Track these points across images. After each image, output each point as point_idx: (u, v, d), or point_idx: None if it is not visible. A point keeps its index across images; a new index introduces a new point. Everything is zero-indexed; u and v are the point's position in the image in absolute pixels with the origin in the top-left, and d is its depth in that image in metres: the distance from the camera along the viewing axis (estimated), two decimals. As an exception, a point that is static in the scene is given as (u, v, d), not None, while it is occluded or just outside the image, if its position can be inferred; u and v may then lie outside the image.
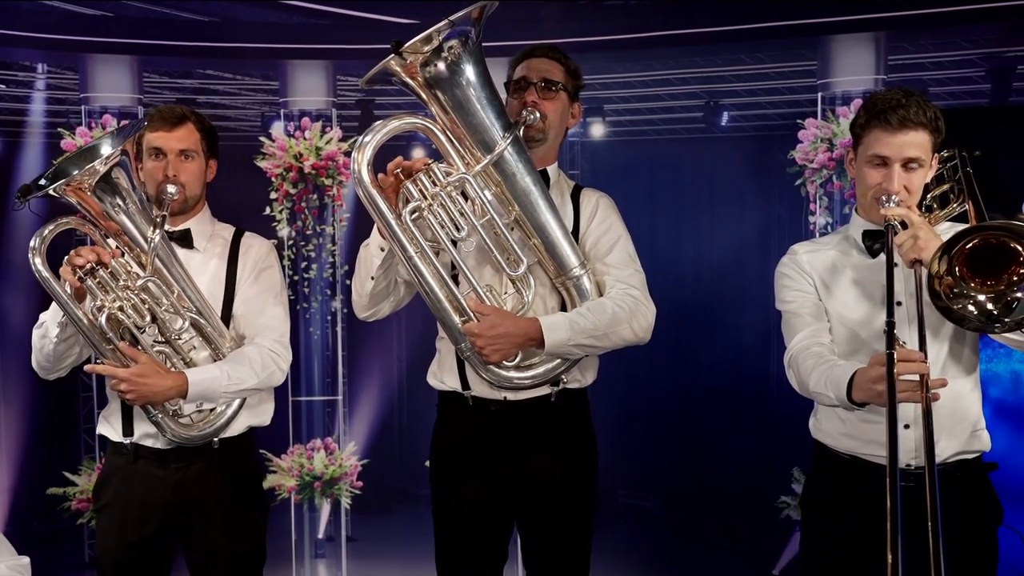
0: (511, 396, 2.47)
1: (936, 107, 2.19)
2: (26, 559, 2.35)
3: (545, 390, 2.48)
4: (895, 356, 1.91)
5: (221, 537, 2.55)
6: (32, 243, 2.30)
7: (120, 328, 2.36)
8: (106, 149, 2.28)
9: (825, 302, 2.33)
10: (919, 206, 2.27)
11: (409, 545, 4.77)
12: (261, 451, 5.62)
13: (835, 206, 5.28)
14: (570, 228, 2.46)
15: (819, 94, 5.43)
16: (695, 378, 6.94)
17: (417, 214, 2.29)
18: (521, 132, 2.37)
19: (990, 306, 1.98)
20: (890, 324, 1.95)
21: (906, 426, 2.22)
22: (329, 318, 6.13)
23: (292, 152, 5.79)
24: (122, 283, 2.34)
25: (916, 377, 1.95)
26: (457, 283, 2.37)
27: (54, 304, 2.41)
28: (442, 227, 2.31)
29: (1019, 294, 1.96)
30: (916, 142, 2.16)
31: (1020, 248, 1.94)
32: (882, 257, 2.16)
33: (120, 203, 2.34)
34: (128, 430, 2.53)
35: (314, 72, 6.05)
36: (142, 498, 2.52)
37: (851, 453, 2.30)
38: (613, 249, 2.49)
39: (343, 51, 6.02)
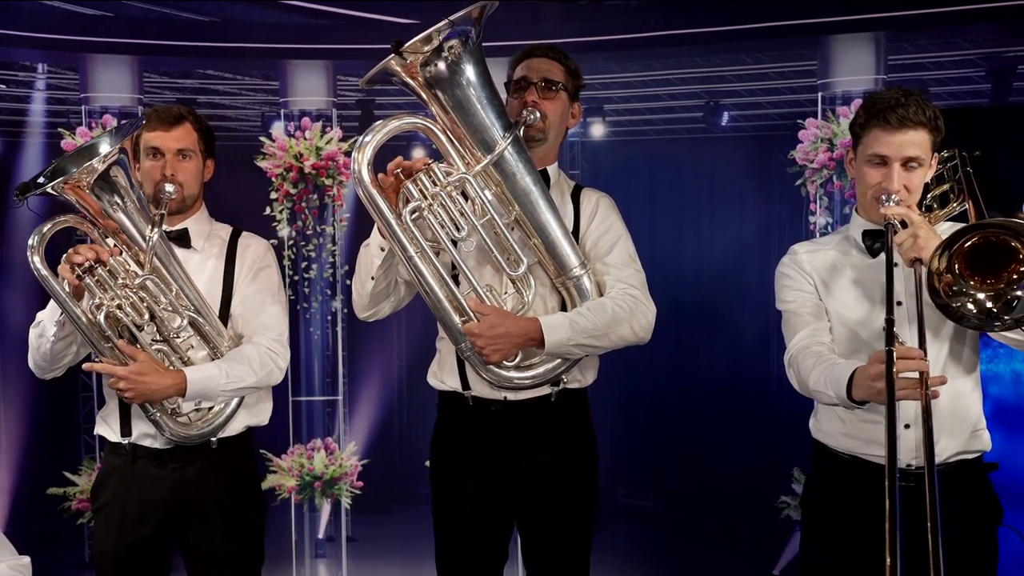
0: (511, 396, 2.47)
1: (935, 106, 2.20)
2: (27, 559, 2.36)
3: (545, 390, 2.48)
4: (894, 354, 1.91)
5: (219, 537, 2.56)
6: (31, 241, 2.31)
7: (119, 326, 2.36)
8: (104, 147, 2.28)
9: (825, 302, 2.33)
10: (919, 206, 2.27)
11: (409, 545, 4.77)
12: (261, 451, 5.62)
13: (835, 206, 5.27)
14: (570, 228, 2.46)
15: (819, 94, 5.43)
16: (695, 378, 6.94)
17: (417, 214, 2.29)
18: (521, 132, 2.37)
19: (989, 304, 1.98)
20: (889, 322, 1.95)
21: (906, 426, 2.22)
22: (329, 318, 6.13)
23: (292, 152, 5.79)
24: (121, 281, 2.34)
25: (916, 375, 1.95)
26: (457, 283, 2.37)
27: (51, 303, 2.42)
28: (442, 227, 2.31)
29: (1019, 292, 1.96)
30: (916, 141, 2.16)
31: (1019, 246, 1.94)
32: (882, 257, 2.16)
33: (119, 201, 2.35)
34: (126, 430, 2.53)
35: (314, 72, 6.05)
36: (140, 498, 2.52)
37: (851, 453, 2.30)
38: (613, 249, 2.49)
39: (343, 51, 6.02)
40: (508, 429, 2.49)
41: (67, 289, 2.32)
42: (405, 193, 2.30)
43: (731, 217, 7.02)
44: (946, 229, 2.24)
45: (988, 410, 2.34)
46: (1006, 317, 1.97)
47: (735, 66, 6.27)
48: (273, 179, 5.84)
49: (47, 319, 2.46)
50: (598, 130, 6.59)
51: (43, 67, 6.25)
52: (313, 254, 5.97)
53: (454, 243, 2.33)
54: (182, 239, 2.57)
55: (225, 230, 2.68)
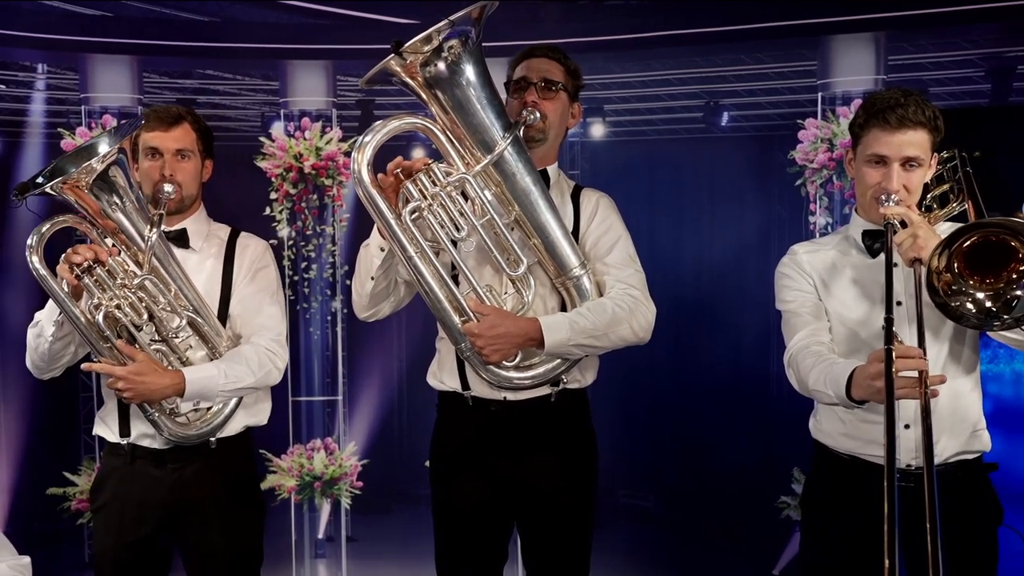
0: (511, 396, 2.47)
1: (935, 106, 2.20)
2: (27, 559, 2.36)
3: (545, 390, 2.48)
4: (893, 353, 1.91)
5: (218, 537, 2.56)
6: (29, 241, 2.31)
7: (117, 326, 2.36)
8: (103, 147, 2.28)
9: (825, 302, 2.33)
10: (919, 206, 2.27)
11: (409, 545, 4.76)
12: (261, 451, 5.62)
13: (835, 206, 5.27)
14: (570, 228, 2.46)
15: (819, 94, 5.43)
16: (695, 378, 6.94)
17: (417, 214, 2.29)
18: (521, 132, 2.37)
19: (988, 303, 1.98)
20: (888, 321, 1.95)
21: (906, 426, 2.22)
22: (329, 318, 6.13)
23: (292, 152, 5.78)
24: (119, 281, 2.34)
25: (915, 374, 1.95)
26: (457, 283, 2.37)
27: (50, 303, 2.42)
28: (442, 227, 2.31)
29: (1018, 292, 1.96)
30: (915, 141, 2.16)
31: (1019, 246, 1.94)
32: (882, 257, 2.16)
33: (117, 201, 2.35)
34: (125, 430, 2.53)
35: (314, 72, 6.05)
36: (139, 498, 2.52)
37: (851, 453, 2.30)
38: (613, 249, 2.49)
39: (343, 51, 6.02)
40: (508, 429, 2.49)
41: (66, 289, 2.32)
42: (405, 193, 2.30)
43: (731, 217, 7.02)
44: (946, 229, 2.24)
45: (988, 410, 2.34)
46: (1005, 316, 1.97)
47: (735, 66, 6.27)
48: (273, 179, 5.84)
49: (45, 319, 2.46)
50: (598, 130, 6.59)
51: (43, 67, 6.25)
52: (313, 254, 5.97)
53: (454, 243, 2.33)
54: (180, 239, 2.57)
55: (224, 230, 2.68)
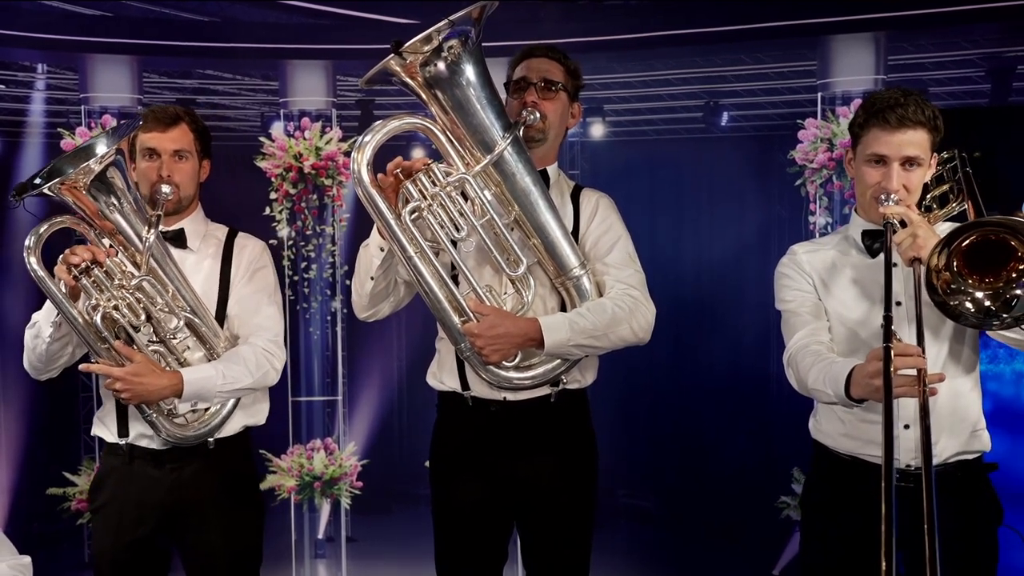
0: (511, 396, 2.47)
1: (935, 106, 2.20)
2: (27, 558, 2.35)
3: (545, 390, 2.48)
4: (892, 351, 1.91)
5: (217, 537, 2.56)
6: (27, 242, 2.31)
7: (115, 327, 2.36)
8: (101, 148, 2.28)
9: (824, 302, 2.33)
10: (918, 206, 2.27)
11: (409, 545, 4.76)
12: (261, 451, 5.62)
13: (835, 206, 5.27)
14: (570, 228, 2.46)
15: (819, 94, 5.43)
16: (695, 378, 6.93)
17: (417, 214, 2.29)
18: (521, 132, 2.37)
19: (988, 303, 1.98)
20: (887, 319, 1.95)
21: (906, 426, 2.22)
22: (329, 318, 6.13)
23: (292, 152, 5.78)
24: (117, 282, 2.34)
25: (914, 372, 1.95)
26: (457, 283, 2.37)
27: (47, 304, 2.41)
28: (442, 227, 2.31)
29: (1018, 291, 1.95)
30: (915, 141, 2.16)
31: (1018, 245, 1.94)
32: (882, 257, 2.16)
33: (115, 202, 2.35)
34: (123, 431, 2.53)
35: (314, 72, 6.05)
36: (138, 499, 2.52)
37: (851, 453, 2.30)
38: (613, 249, 2.49)
39: (343, 51, 6.01)
40: (508, 429, 2.49)
41: (63, 290, 2.32)
42: (404, 193, 2.30)
43: (731, 217, 7.02)
44: (945, 229, 2.24)
45: (988, 410, 2.34)
46: (1004, 316, 1.97)
47: (735, 66, 6.27)
48: (273, 179, 5.84)
49: (43, 320, 2.46)
50: (598, 130, 6.59)
51: (43, 67, 6.25)
52: (313, 254, 5.97)
53: (453, 243, 2.33)
54: (178, 239, 2.57)
55: (221, 230, 2.68)
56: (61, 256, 2.32)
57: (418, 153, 5.34)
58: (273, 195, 5.86)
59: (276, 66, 6.17)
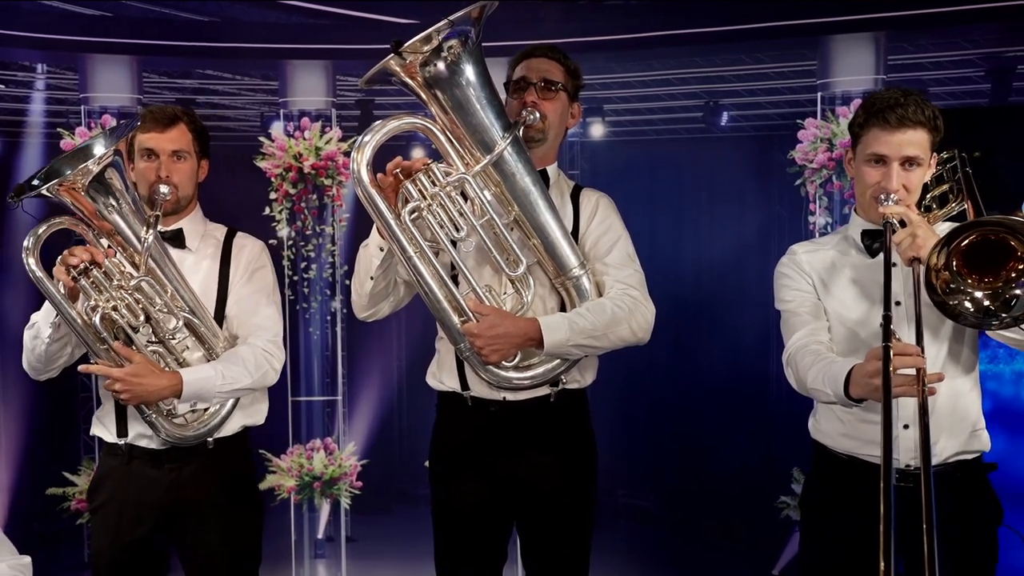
0: (510, 396, 2.47)
1: (935, 106, 2.20)
2: (27, 558, 2.35)
3: (544, 390, 2.48)
4: (891, 350, 1.91)
5: (216, 537, 2.56)
6: (26, 243, 2.31)
7: (114, 328, 2.36)
8: (99, 149, 2.28)
9: (824, 301, 2.33)
10: (918, 206, 2.27)
11: (409, 545, 4.76)
12: (260, 451, 5.62)
13: (835, 206, 5.27)
14: (570, 228, 2.46)
15: (819, 94, 5.43)
16: (695, 378, 6.93)
17: (416, 214, 2.29)
18: (521, 132, 2.37)
19: (987, 302, 1.98)
20: (886, 318, 1.96)
21: (905, 426, 2.22)
22: (329, 318, 6.13)
23: (292, 152, 5.78)
24: (116, 283, 2.34)
25: (913, 371, 1.95)
26: (456, 283, 2.37)
27: (46, 305, 2.41)
28: (441, 227, 2.31)
29: (1017, 291, 1.95)
30: (915, 141, 2.16)
31: (1018, 245, 1.94)
32: (881, 257, 2.16)
33: (114, 203, 2.34)
34: (122, 431, 2.53)
35: (314, 72, 6.04)
36: (137, 499, 2.52)
37: (850, 454, 2.30)
38: (613, 249, 2.49)
39: (343, 51, 6.01)
40: (507, 429, 2.49)
41: (62, 291, 2.32)
42: (404, 193, 2.30)
43: (731, 217, 7.02)
44: (945, 229, 2.24)
45: (988, 410, 2.34)
46: (1004, 315, 1.97)
47: (735, 66, 6.26)
48: (272, 179, 5.84)
49: (42, 320, 2.46)
50: (598, 130, 6.59)
51: (42, 67, 6.24)
52: (312, 254, 5.96)
53: (453, 243, 2.33)
54: (177, 239, 2.57)
55: (220, 230, 2.67)
56: (59, 257, 2.32)
57: (418, 153, 5.34)
58: (273, 195, 5.86)
59: (276, 66, 6.17)
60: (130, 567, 2.55)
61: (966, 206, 2.27)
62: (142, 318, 2.38)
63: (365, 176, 2.24)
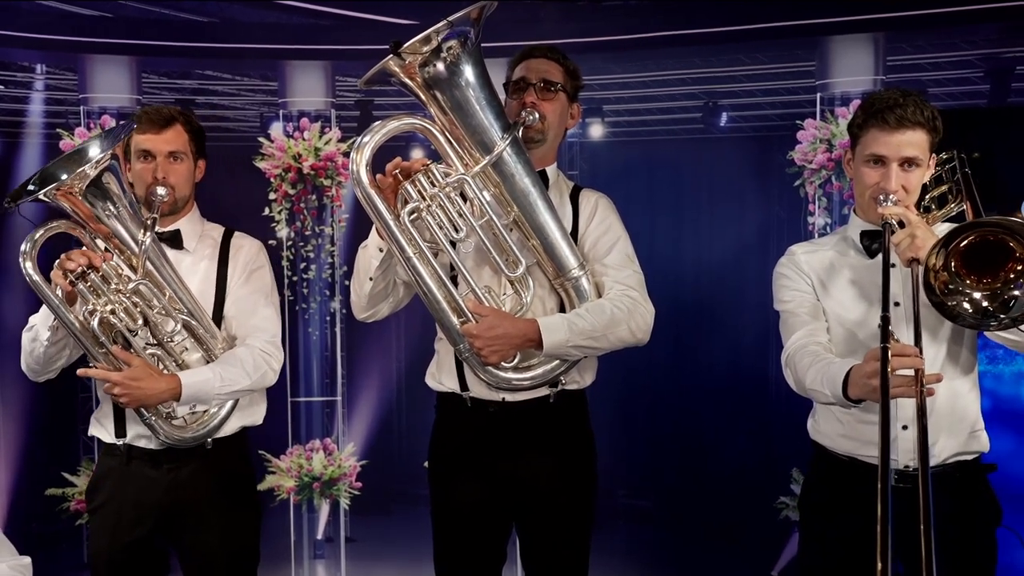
0: (510, 397, 2.47)
1: (934, 107, 2.20)
2: (27, 559, 2.35)
3: (544, 391, 2.48)
4: (889, 351, 1.91)
5: (215, 538, 2.56)
6: (23, 247, 2.30)
7: (112, 331, 2.35)
8: (94, 152, 2.27)
9: (823, 302, 2.33)
10: (917, 206, 2.27)
11: (408, 546, 4.76)
12: (260, 452, 5.62)
13: (834, 207, 5.28)
14: (569, 229, 2.46)
15: (818, 95, 5.43)
16: (694, 379, 6.93)
17: (415, 215, 2.29)
18: (520, 133, 2.37)
19: (985, 303, 1.98)
20: (885, 319, 1.96)
21: (904, 427, 2.22)
22: (328, 319, 6.13)
23: (291, 153, 5.78)
24: (113, 286, 2.34)
25: (911, 372, 1.95)
26: (456, 284, 2.37)
27: (44, 307, 2.41)
28: (440, 228, 2.31)
29: (1016, 292, 1.96)
30: (913, 141, 2.16)
31: (1016, 246, 1.94)
32: (880, 257, 2.16)
33: (111, 207, 2.34)
34: (121, 431, 2.53)
35: (313, 73, 6.04)
36: (135, 499, 2.52)
37: (849, 454, 2.30)
38: (612, 250, 2.49)
39: (342, 52, 6.01)
40: (506, 430, 2.49)
41: (60, 295, 2.31)
42: (403, 194, 2.30)
43: (730, 218, 7.02)
44: (944, 230, 2.24)
45: (988, 410, 2.34)
46: (1002, 316, 1.97)
47: (734, 67, 6.26)
48: (272, 180, 5.84)
49: (40, 323, 2.46)
50: (597, 131, 6.58)
51: (42, 68, 6.24)
52: (312, 255, 5.96)
53: (452, 244, 2.33)
54: (174, 240, 2.57)
55: (217, 230, 2.67)
56: (57, 262, 2.32)
57: (417, 154, 5.34)
58: (272, 195, 5.85)
59: (275, 66, 6.17)
60: (129, 567, 2.55)
61: (965, 207, 2.27)
62: (140, 321, 2.37)
63: (364, 177, 2.24)
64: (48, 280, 2.32)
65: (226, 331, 2.57)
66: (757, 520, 5.70)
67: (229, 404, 2.54)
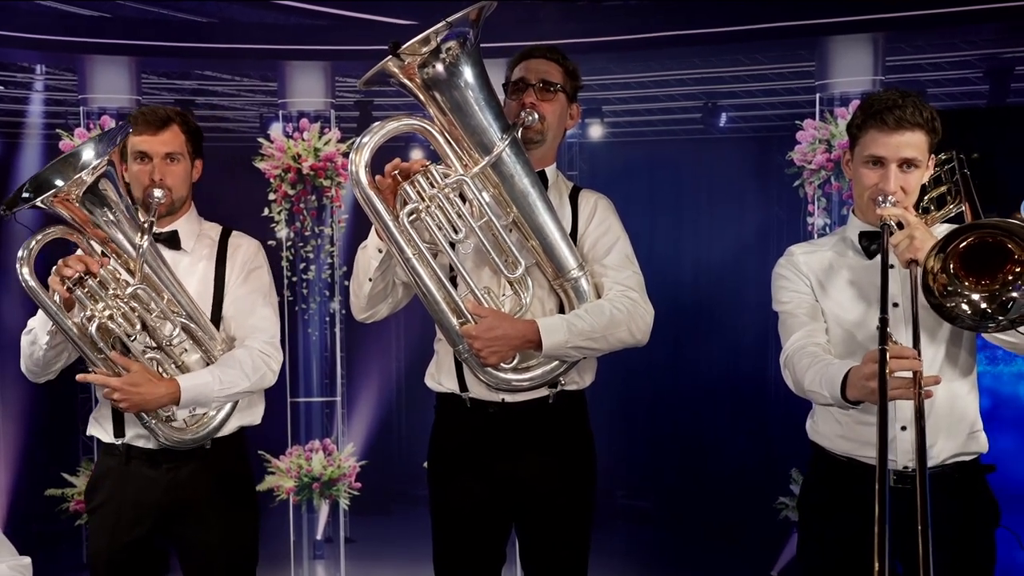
0: (509, 398, 2.47)
1: (933, 108, 2.20)
2: (27, 559, 2.35)
3: (543, 392, 2.48)
4: (888, 353, 1.91)
5: (214, 537, 2.56)
6: (20, 254, 2.29)
7: (111, 337, 2.34)
8: (88, 156, 2.25)
9: (821, 303, 2.33)
10: (916, 207, 2.27)
11: (407, 546, 4.76)
12: (259, 452, 5.62)
13: (833, 207, 5.28)
14: (568, 229, 2.46)
15: (817, 95, 5.43)
16: (694, 379, 6.92)
17: (415, 216, 2.29)
18: (519, 133, 2.37)
19: (984, 305, 1.98)
20: (883, 321, 1.96)
21: (903, 428, 2.22)
22: (327, 319, 6.12)
23: (290, 153, 5.78)
24: (111, 292, 2.32)
25: (909, 374, 1.95)
26: (455, 285, 2.37)
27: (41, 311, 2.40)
28: (440, 229, 2.31)
29: (1014, 294, 1.96)
30: (912, 143, 2.16)
31: (1015, 248, 1.94)
32: (879, 258, 2.16)
33: (107, 212, 2.32)
34: (119, 431, 2.53)
35: (312, 73, 6.04)
36: (135, 499, 2.52)
37: (848, 455, 2.30)
38: (611, 250, 2.49)
39: (341, 52, 6.01)
40: (506, 431, 2.49)
41: (57, 301, 2.30)
42: (403, 195, 2.30)
43: (729, 218, 7.01)
44: (943, 231, 2.24)
45: (988, 411, 2.34)
46: (1000, 318, 1.97)
47: (733, 67, 6.26)
48: (271, 180, 5.83)
49: (39, 327, 2.46)
50: (596, 131, 6.58)
51: (41, 68, 6.23)
52: (311, 255, 5.96)
53: (452, 245, 2.33)
54: (172, 241, 2.57)
55: (215, 229, 2.67)
56: (54, 268, 2.31)
57: (417, 154, 5.33)
58: (272, 196, 5.85)
59: (274, 67, 6.17)
60: (128, 567, 2.55)
61: (964, 208, 2.27)
62: (138, 326, 2.36)
63: (363, 178, 2.24)
64: (45, 286, 2.30)
65: (225, 331, 2.57)
66: (756, 520, 5.70)
67: (228, 406, 2.54)
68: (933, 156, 2.25)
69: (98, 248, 2.40)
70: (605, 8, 6.02)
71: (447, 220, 2.31)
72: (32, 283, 2.29)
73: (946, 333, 2.22)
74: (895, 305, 2.21)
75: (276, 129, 5.91)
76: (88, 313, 2.31)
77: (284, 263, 5.86)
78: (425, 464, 2.65)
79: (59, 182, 2.24)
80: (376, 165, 2.28)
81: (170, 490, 2.53)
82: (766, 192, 6.63)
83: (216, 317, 2.56)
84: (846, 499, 2.27)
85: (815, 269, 2.35)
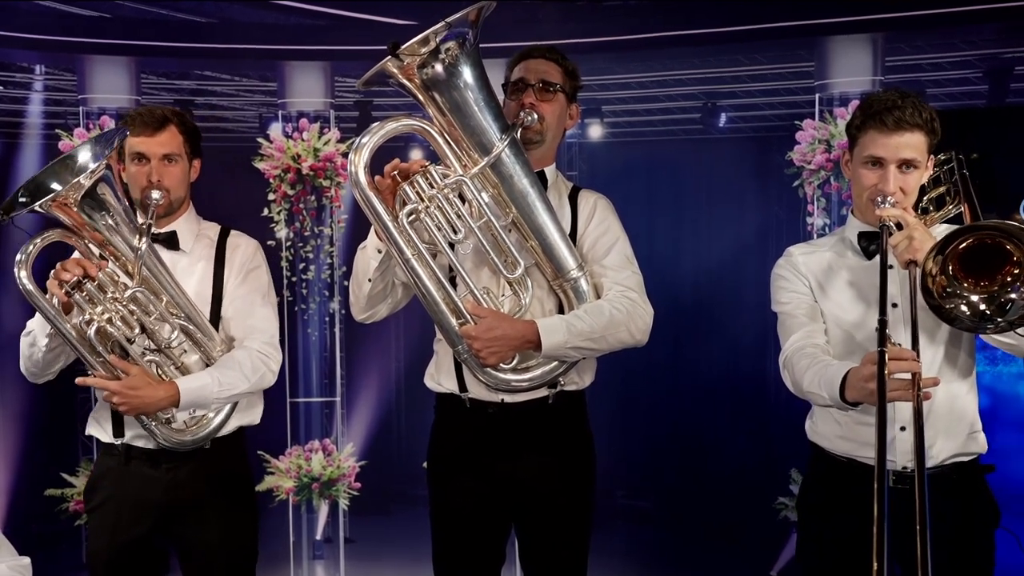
0: (508, 398, 2.47)
1: (932, 108, 2.20)
2: (27, 559, 2.35)
3: (543, 392, 2.48)
4: (887, 355, 1.91)
5: (214, 537, 2.56)
6: (17, 257, 2.27)
7: (109, 340, 2.33)
8: (84, 158, 2.24)
9: (820, 303, 2.33)
10: (915, 208, 2.27)
11: (407, 547, 4.76)
12: (259, 452, 5.62)
13: (833, 207, 5.28)
14: (568, 230, 2.46)
15: (817, 95, 5.43)
16: (693, 379, 6.93)
17: (414, 216, 2.29)
18: (519, 134, 2.37)
19: (983, 306, 1.98)
20: (882, 322, 1.96)
21: (902, 428, 2.22)
22: (327, 319, 6.12)
23: (290, 153, 5.78)
24: (110, 295, 2.31)
25: (908, 376, 1.95)
26: (454, 285, 2.37)
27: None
28: (439, 229, 2.31)
29: (1013, 295, 1.96)
30: (912, 143, 2.16)
31: (1014, 249, 1.94)
32: (878, 259, 2.16)
33: (106, 215, 2.30)
34: (119, 431, 2.53)
35: (312, 73, 6.04)
36: (134, 499, 2.52)
37: (847, 455, 2.30)
38: (611, 251, 2.49)
39: (341, 52, 6.01)
40: (505, 431, 2.49)
41: (56, 304, 2.29)
42: (402, 195, 2.30)
43: (729, 218, 7.02)
44: (942, 231, 2.24)
45: (988, 411, 2.34)
46: (999, 320, 1.97)
47: (733, 67, 6.26)
48: (271, 180, 5.83)
49: (38, 329, 2.45)
50: (596, 131, 6.59)
51: (40, 68, 6.23)
52: (311, 255, 5.96)
53: (451, 245, 2.33)
54: (171, 241, 2.56)
55: (213, 229, 2.66)
56: (52, 272, 2.30)
57: (416, 155, 5.34)
58: (271, 196, 5.85)
59: (274, 67, 6.17)
60: (127, 567, 2.55)
61: (963, 208, 2.27)
62: (137, 329, 2.35)
63: (363, 178, 2.24)
64: (43, 290, 2.29)
65: (224, 332, 2.57)
66: (756, 520, 5.70)
67: (227, 407, 2.54)
68: (932, 156, 2.25)
69: (96, 251, 2.38)
70: (605, 8, 6.01)
71: (446, 220, 2.31)
72: (30, 287, 2.27)
73: (945, 334, 2.22)
74: (894, 306, 2.21)
75: (275, 129, 5.91)
76: (87, 317, 2.30)
77: (283, 263, 5.86)
78: (424, 464, 2.65)
79: (56, 186, 2.22)
80: (376, 165, 2.28)
81: (169, 490, 2.53)
82: (766, 192, 6.63)
83: (215, 317, 2.56)
84: (845, 499, 2.27)
85: (814, 270, 2.35)
